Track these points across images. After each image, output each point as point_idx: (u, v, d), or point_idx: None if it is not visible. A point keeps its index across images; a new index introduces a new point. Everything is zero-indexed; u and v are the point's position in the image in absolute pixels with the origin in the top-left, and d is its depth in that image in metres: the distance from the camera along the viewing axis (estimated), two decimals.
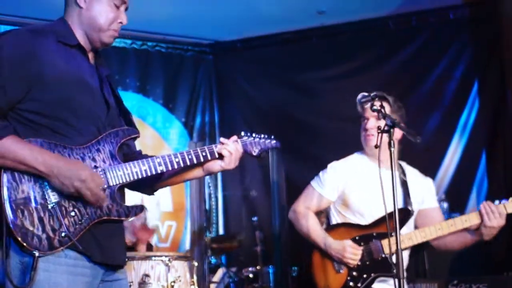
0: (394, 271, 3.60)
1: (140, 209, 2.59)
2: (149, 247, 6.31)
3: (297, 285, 6.78)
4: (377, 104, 3.31)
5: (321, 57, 7.70)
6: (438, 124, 7.10)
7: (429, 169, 6.93)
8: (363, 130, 3.97)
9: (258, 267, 6.62)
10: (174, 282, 4.52)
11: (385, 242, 3.79)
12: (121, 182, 2.55)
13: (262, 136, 2.92)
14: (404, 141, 3.96)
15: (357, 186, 3.96)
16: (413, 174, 4.10)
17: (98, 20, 2.65)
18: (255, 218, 6.91)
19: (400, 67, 7.35)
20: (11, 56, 2.41)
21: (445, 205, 6.34)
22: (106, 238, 2.50)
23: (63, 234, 2.36)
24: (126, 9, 2.75)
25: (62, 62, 2.51)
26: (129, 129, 2.70)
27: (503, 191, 6.41)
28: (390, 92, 4.05)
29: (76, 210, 2.40)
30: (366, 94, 3.41)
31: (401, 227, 3.77)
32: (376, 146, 3.22)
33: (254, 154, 2.87)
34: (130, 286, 4.46)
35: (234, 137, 2.84)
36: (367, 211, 3.91)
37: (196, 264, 4.89)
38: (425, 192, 4.09)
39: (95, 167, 2.49)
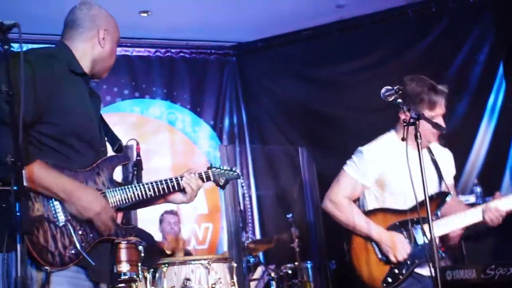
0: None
1: (134, 230, 2.81)
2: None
3: (336, 278, 6.85)
4: (400, 97, 3.33)
5: (343, 51, 7.74)
6: (466, 109, 7.09)
7: (460, 155, 6.96)
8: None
9: (296, 263, 6.67)
10: (214, 284, 4.60)
11: (426, 227, 3.61)
12: (118, 205, 2.72)
13: (226, 168, 3.12)
14: None
15: (393, 168, 3.84)
16: (436, 149, 4.06)
17: (110, 61, 2.88)
18: (289, 215, 6.97)
19: (423, 55, 7.35)
20: (29, 79, 2.46)
21: (478, 189, 6.32)
22: (98, 257, 2.62)
23: (73, 251, 2.50)
24: None
25: (72, 89, 2.65)
26: (122, 155, 2.87)
27: None
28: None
29: (82, 228, 2.56)
30: (390, 87, 3.41)
31: (439, 209, 3.81)
32: (403, 139, 3.25)
33: (221, 184, 3.09)
34: None
35: (193, 169, 2.99)
36: (405, 193, 3.80)
37: (235, 265, 4.96)
38: (449, 164, 4.07)
39: (97, 189, 2.65)
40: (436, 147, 4.02)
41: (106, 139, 2.90)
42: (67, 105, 2.57)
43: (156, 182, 2.85)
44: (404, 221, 3.81)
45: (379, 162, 3.85)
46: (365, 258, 3.82)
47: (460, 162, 6.99)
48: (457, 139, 6.64)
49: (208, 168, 3.05)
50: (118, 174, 2.96)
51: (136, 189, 2.78)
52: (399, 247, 3.74)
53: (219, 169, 3.08)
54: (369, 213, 3.89)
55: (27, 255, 2.39)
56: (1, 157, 2.27)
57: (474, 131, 7.06)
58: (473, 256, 5.52)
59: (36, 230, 2.42)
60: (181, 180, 2.92)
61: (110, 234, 2.65)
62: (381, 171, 3.85)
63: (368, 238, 3.81)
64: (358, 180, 3.88)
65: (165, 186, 2.87)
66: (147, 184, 2.82)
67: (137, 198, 2.77)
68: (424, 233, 3.74)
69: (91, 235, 2.57)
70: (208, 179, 3.03)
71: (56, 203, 2.51)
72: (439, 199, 3.80)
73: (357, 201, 4.03)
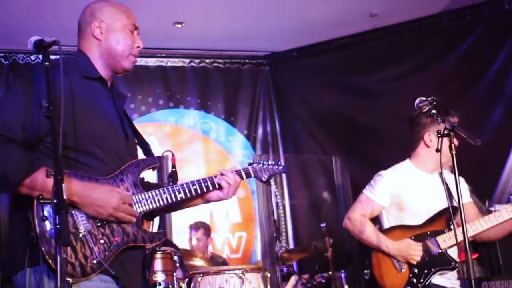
0: (452, 263, 3.91)
1: (163, 235, 2.69)
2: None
3: None
4: (436, 109, 3.35)
5: (377, 60, 7.68)
6: (501, 118, 6.97)
7: (496, 163, 6.89)
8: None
9: (330, 273, 6.65)
10: None
11: (439, 238, 3.98)
12: (145, 209, 2.64)
13: (270, 162, 3.01)
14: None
15: (411, 191, 4.10)
16: (448, 177, 4.11)
17: (118, 49, 2.75)
18: (323, 225, 6.95)
19: (458, 64, 7.26)
20: (40, 92, 2.42)
21: None
22: (130, 263, 2.60)
23: (94, 261, 2.45)
24: (138, 34, 2.85)
25: (87, 98, 2.62)
26: (149, 159, 2.78)
27: None
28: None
29: (105, 237, 2.50)
30: (424, 98, 3.44)
31: (452, 223, 3.90)
32: (437, 150, 3.27)
33: (264, 179, 2.99)
34: None
35: (234, 168, 2.93)
36: (421, 212, 4.07)
37: (269, 275, 4.99)
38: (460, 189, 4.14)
39: None
40: (448, 176, 4.05)
41: (136, 142, 2.84)
42: (77, 115, 2.53)
43: (187, 183, 2.76)
44: (418, 235, 4.03)
45: (396, 185, 4.12)
46: (385, 271, 4.04)
47: (496, 170, 6.90)
48: (493, 147, 6.57)
49: (248, 165, 2.96)
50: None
51: (165, 192, 2.69)
52: (409, 252, 3.95)
53: (261, 165, 2.97)
54: (386, 231, 4.14)
55: (46, 268, 2.38)
56: (5, 174, 2.33)
57: (510, 139, 6.95)
58: (511, 266, 5.45)
59: (55, 242, 2.35)
60: (215, 178, 2.82)
61: (136, 240, 2.58)
62: (398, 193, 4.11)
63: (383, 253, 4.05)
64: (374, 200, 4.15)
65: (197, 187, 2.78)
66: (176, 186, 2.73)
67: (165, 202, 2.68)
68: (437, 244, 3.98)
69: (114, 243, 2.52)
70: (248, 175, 2.93)
71: (76, 213, 2.46)
72: (450, 213, 3.92)
73: (377, 221, 4.31)
